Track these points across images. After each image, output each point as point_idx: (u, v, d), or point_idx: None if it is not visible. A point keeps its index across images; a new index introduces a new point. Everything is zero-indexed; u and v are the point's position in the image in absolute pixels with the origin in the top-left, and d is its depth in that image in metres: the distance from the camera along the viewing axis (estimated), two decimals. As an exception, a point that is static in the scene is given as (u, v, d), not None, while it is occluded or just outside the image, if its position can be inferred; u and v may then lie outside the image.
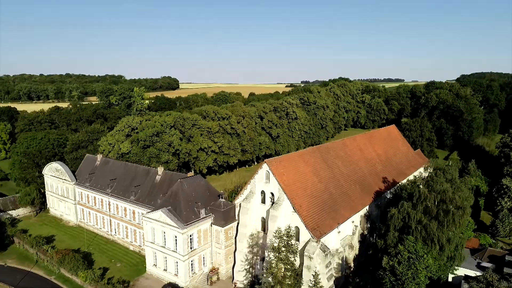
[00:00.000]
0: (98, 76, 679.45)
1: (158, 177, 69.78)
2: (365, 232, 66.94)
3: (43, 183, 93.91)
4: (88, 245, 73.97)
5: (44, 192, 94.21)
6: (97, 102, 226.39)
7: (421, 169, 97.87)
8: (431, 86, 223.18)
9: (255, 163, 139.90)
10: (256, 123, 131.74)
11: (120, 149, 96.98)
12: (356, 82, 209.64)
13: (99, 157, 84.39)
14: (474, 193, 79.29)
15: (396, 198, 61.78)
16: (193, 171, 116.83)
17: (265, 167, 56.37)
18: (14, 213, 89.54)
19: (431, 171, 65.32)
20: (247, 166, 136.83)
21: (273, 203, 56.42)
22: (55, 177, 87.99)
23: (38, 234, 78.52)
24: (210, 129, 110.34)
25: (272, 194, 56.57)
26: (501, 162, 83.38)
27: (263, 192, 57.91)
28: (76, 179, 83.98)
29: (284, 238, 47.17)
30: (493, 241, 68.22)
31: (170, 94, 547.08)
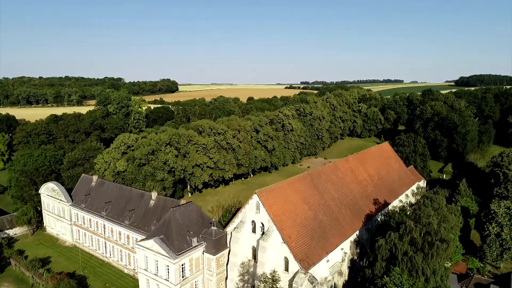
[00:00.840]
0: (97, 79, 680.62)
1: (152, 202, 70.93)
2: (355, 257, 68.11)
3: (40, 201, 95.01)
4: (84, 268, 75.11)
5: (41, 210, 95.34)
6: (95, 109, 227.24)
7: (414, 187, 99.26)
8: (427, 94, 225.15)
9: (251, 175, 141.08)
10: (251, 137, 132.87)
11: (116, 167, 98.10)
12: (352, 91, 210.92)
13: (95, 178, 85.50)
14: (464, 214, 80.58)
15: (385, 226, 62.96)
16: (189, 186, 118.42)
17: (255, 197, 57.53)
18: (11, 232, 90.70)
19: (419, 198, 66.48)
20: (243, 178, 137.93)
21: (263, 233, 57.60)
22: (51, 196, 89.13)
23: (34, 255, 79.70)
24: (206, 145, 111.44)
25: (262, 224, 57.75)
26: (491, 182, 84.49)
27: (253, 222, 59.10)
28: (72, 200, 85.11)
29: (269, 282, 48.48)
30: (481, 264, 69.39)
31: (169, 98, 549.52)
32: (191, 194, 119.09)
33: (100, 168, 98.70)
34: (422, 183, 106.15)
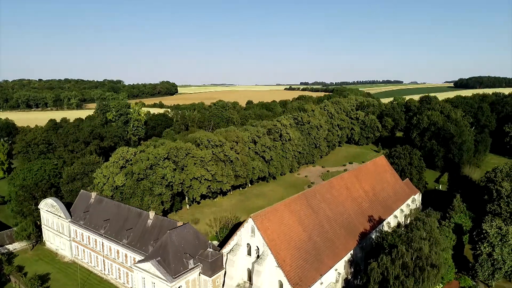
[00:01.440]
0: (97, 81, 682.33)
1: (149, 221, 72.02)
2: (349, 277, 69.25)
3: (39, 215, 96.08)
4: (83, 285, 76.18)
5: (40, 224, 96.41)
6: (94, 115, 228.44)
7: (409, 201, 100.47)
8: (425, 101, 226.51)
9: (249, 185, 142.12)
10: (249, 148, 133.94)
11: (114, 181, 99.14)
12: (350, 98, 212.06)
13: (93, 194, 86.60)
14: (457, 231, 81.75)
15: (378, 247, 64.12)
16: (187, 198, 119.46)
17: (250, 221, 58.65)
18: (11, 247, 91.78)
19: (412, 220, 67.61)
20: (240, 189, 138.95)
21: (258, 256, 58.74)
22: (50, 212, 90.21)
23: (34, 271, 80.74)
24: (203, 158, 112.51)
25: (257, 247, 58.88)
26: (485, 199, 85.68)
27: (248, 245, 60.24)
28: (71, 216, 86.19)
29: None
30: (474, 283, 70.53)
31: (169, 101, 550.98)
32: (189, 205, 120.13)
33: (99, 182, 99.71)
34: (418, 196, 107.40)
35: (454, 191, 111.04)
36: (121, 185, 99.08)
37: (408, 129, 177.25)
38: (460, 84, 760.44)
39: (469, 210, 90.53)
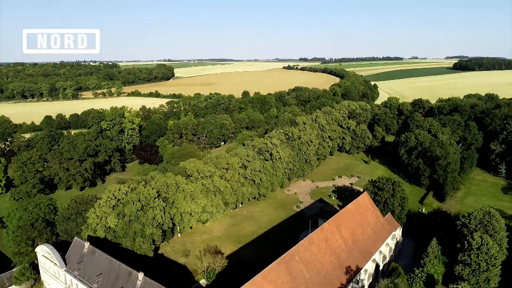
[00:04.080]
0: (92, 65, 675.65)
1: (138, 283, 76.83)
2: (324, 337, 74.92)
3: (36, 256, 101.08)
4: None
5: (38, 264, 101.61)
6: (87, 131, 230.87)
7: (389, 239, 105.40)
8: (417, 104, 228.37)
9: (240, 205, 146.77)
10: (239, 173, 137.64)
11: (107, 222, 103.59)
12: (343, 104, 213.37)
13: (86, 245, 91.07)
14: (430, 280, 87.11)
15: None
16: (178, 227, 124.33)
17: (229, 301, 63.34)
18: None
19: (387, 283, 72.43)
20: (231, 210, 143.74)
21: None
22: (47, 258, 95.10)
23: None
24: (193, 192, 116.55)
25: (236, 324, 63.90)
26: (458, 247, 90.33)
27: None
28: (66, 265, 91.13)
29: None
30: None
31: (165, 88, 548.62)
32: (181, 234, 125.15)
33: (92, 222, 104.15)
34: (398, 231, 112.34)
35: (433, 222, 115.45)
36: (114, 226, 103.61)
37: (400, 132, 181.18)
38: (460, 66, 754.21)
39: (443, 254, 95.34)
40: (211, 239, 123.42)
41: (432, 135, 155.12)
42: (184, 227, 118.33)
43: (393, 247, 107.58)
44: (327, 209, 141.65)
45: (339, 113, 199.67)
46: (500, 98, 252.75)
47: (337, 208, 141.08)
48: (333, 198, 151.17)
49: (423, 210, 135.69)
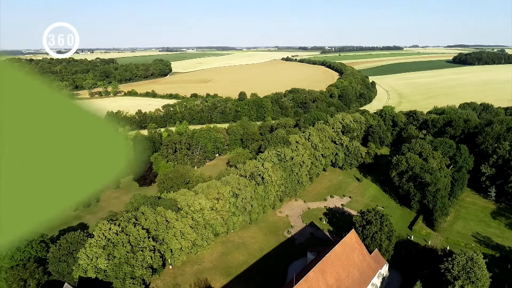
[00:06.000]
0: (89, 61, 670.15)
1: None
2: None
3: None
4: None
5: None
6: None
7: (374, 279, 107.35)
8: (412, 116, 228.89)
9: (231, 230, 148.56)
10: (230, 202, 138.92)
11: (97, 263, 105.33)
12: (337, 117, 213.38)
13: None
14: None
15: None
16: (169, 260, 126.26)
17: None
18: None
19: None
20: (223, 236, 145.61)
21: None
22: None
23: None
24: (182, 229, 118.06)
25: None
26: (444, 279, 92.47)
27: None
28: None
29: None
30: None
31: (161, 86, 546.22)
32: (171, 266, 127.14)
33: (82, 263, 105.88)
34: (385, 267, 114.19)
35: (420, 259, 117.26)
36: (104, 267, 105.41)
37: (394, 144, 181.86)
38: (459, 60, 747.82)
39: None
40: (202, 270, 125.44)
41: (423, 159, 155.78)
42: (174, 261, 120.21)
43: (379, 284, 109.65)
44: (317, 235, 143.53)
45: (333, 128, 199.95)
46: (495, 107, 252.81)
47: (327, 234, 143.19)
48: (324, 222, 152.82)
49: (412, 238, 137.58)
